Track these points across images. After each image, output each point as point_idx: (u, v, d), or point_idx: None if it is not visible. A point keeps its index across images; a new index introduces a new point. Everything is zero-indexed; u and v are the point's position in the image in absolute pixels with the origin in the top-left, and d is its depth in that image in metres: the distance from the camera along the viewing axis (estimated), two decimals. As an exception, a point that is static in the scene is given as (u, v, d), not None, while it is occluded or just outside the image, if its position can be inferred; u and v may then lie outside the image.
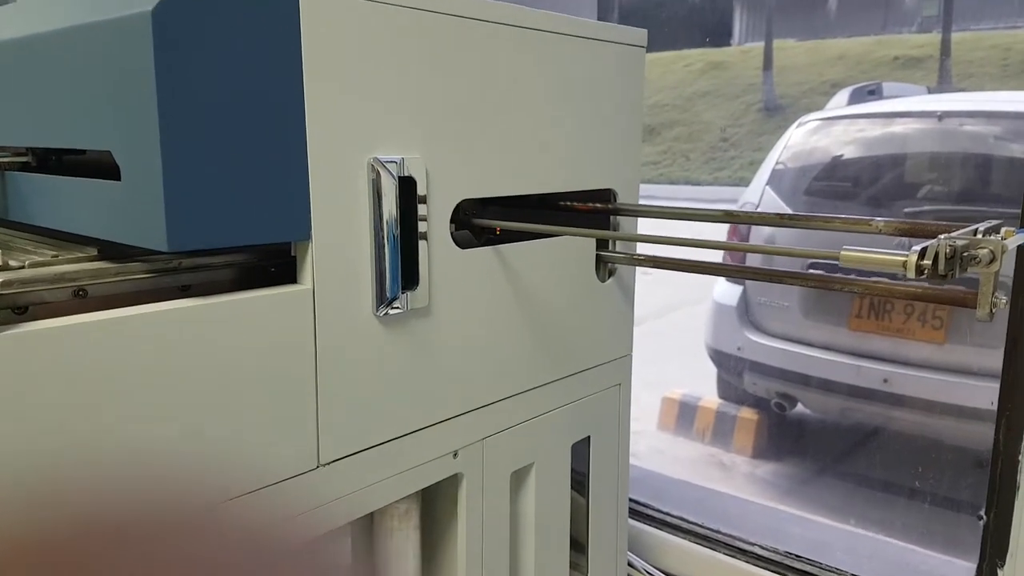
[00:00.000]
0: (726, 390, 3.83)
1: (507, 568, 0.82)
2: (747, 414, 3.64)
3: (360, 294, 0.65)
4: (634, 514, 1.14)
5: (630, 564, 1.07)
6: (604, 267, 0.90)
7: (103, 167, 0.60)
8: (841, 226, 0.76)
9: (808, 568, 0.99)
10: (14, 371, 0.47)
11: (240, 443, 0.58)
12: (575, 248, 0.85)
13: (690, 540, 1.08)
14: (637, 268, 0.94)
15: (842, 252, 0.54)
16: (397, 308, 0.67)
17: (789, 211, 3.38)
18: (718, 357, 3.67)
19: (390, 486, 0.69)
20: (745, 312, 3.49)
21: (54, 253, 0.61)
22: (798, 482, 3.24)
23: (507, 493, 0.81)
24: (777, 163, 3.58)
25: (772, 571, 1.00)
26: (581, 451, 0.93)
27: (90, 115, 0.57)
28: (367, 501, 0.68)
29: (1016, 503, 0.92)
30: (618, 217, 0.91)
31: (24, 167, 0.70)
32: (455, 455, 0.75)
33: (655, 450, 3.52)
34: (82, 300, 0.55)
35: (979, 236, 0.65)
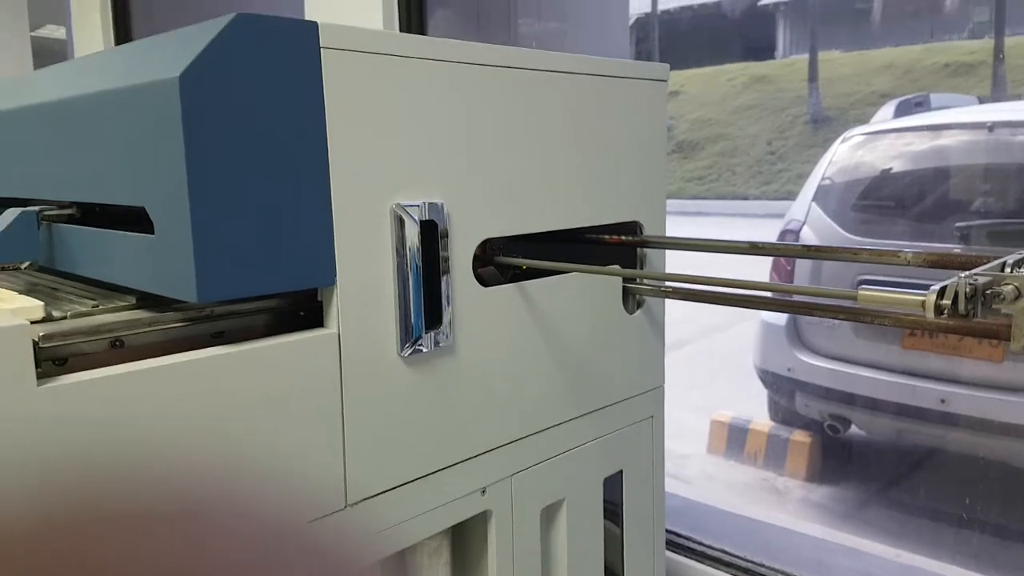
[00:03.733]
0: (777, 412, 3.75)
1: (540, 604, 0.82)
2: (800, 437, 3.57)
3: (385, 335, 0.66)
4: (673, 546, 1.13)
5: (669, 598, 1.06)
6: (632, 299, 0.90)
7: (142, 219, 0.63)
8: (868, 258, 0.75)
9: (852, 603, 0.96)
10: (54, 420, 0.49)
11: (270, 483, 0.59)
12: (601, 281, 0.86)
13: (731, 573, 1.06)
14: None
15: (859, 292, 0.54)
16: (421, 348, 0.68)
17: (836, 227, 3.32)
18: (768, 378, 3.61)
19: (418, 524, 0.70)
20: (795, 332, 3.43)
21: (95, 303, 0.64)
22: (855, 506, 3.15)
23: (537, 529, 0.81)
24: (823, 178, 3.52)
25: (815, 606, 0.98)
26: (616, 483, 0.92)
27: (125, 173, 0.60)
28: (396, 539, 0.69)
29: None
30: (645, 249, 0.91)
31: (69, 219, 0.74)
32: (483, 492, 0.75)
33: (705, 475, 3.47)
34: (119, 350, 0.58)
35: (1006, 271, 0.63)
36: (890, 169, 3.31)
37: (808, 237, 3.35)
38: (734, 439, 3.73)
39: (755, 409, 3.70)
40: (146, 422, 0.53)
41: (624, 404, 0.90)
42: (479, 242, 0.73)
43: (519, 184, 0.75)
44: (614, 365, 0.88)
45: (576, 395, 0.84)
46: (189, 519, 0.55)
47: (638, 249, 0.91)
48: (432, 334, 0.69)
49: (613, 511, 0.93)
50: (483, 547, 0.78)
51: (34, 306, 0.60)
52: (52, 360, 0.54)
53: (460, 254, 0.71)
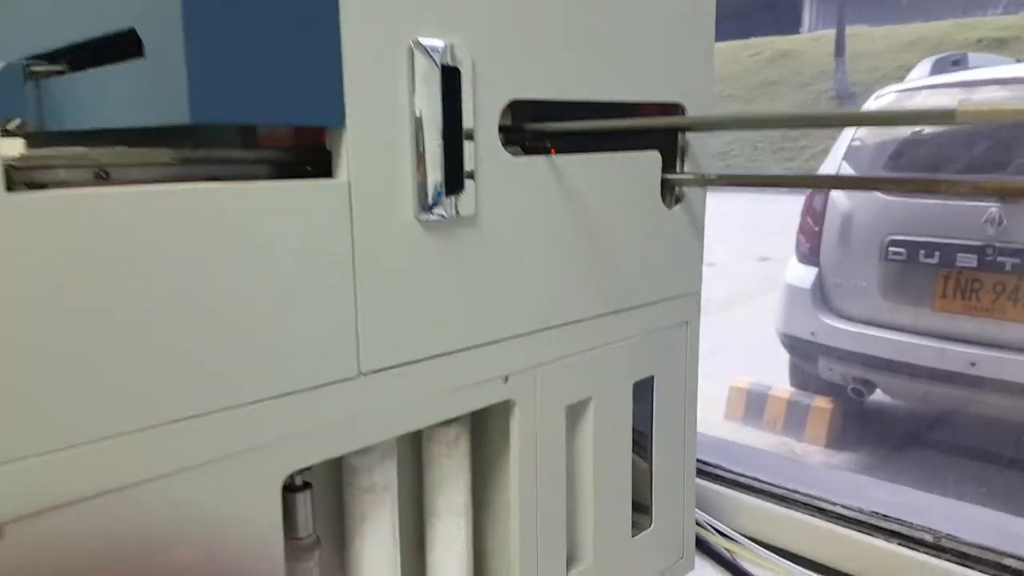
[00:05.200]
0: (799, 377, 3.68)
1: (563, 506, 0.75)
2: (821, 403, 3.50)
3: (400, 194, 0.59)
4: (703, 475, 1.07)
5: (698, 523, 1.00)
6: (671, 193, 0.83)
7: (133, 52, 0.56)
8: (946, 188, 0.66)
9: (897, 528, 0.89)
10: (29, 240, 0.43)
11: (275, 341, 0.53)
12: (638, 169, 0.78)
13: (764, 499, 1.00)
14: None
15: (958, 107, 0.46)
16: (441, 212, 0.61)
17: (867, 187, 3.21)
18: (790, 343, 3.53)
19: (436, 404, 0.64)
20: (820, 295, 3.34)
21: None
22: (877, 471, 3.07)
23: (562, 427, 0.75)
24: (854, 139, 3.42)
25: (856, 531, 0.91)
26: (644, 415, 0.86)
27: (113, -9, 0.53)
28: (412, 417, 0.62)
29: None
30: (687, 141, 0.84)
31: (60, 74, 0.67)
32: (505, 380, 0.69)
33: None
34: (104, 183, 0.52)
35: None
36: (923, 129, 3.19)
37: (839, 198, 3.25)
38: (752, 405, 3.66)
39: (776, 379, 3.63)
40: (134, 255, 0.47)
41: (657, 306, 0.83)
42: (507, 102, 0.66)
43: (552, 39, 0.68)
44: (648, 263, 0.81)
45: (606, 290, 0.77)
46: (174, 364, 0.49)
47: (680, 137, 0.83)
48: (453, 200, 0.62)
49: (641, 444, 0.87)
50: (505, 441, 0.71)
51: (14, 143, 0.54)
52: (28, 185, 0.48)
53: (486, 112, 0.64)
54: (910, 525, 0.89)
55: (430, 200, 0.61)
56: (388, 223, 0.59)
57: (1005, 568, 0.80)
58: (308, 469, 0.62)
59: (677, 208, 0.84)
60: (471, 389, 0.66)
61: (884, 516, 0.91)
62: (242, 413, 0.52)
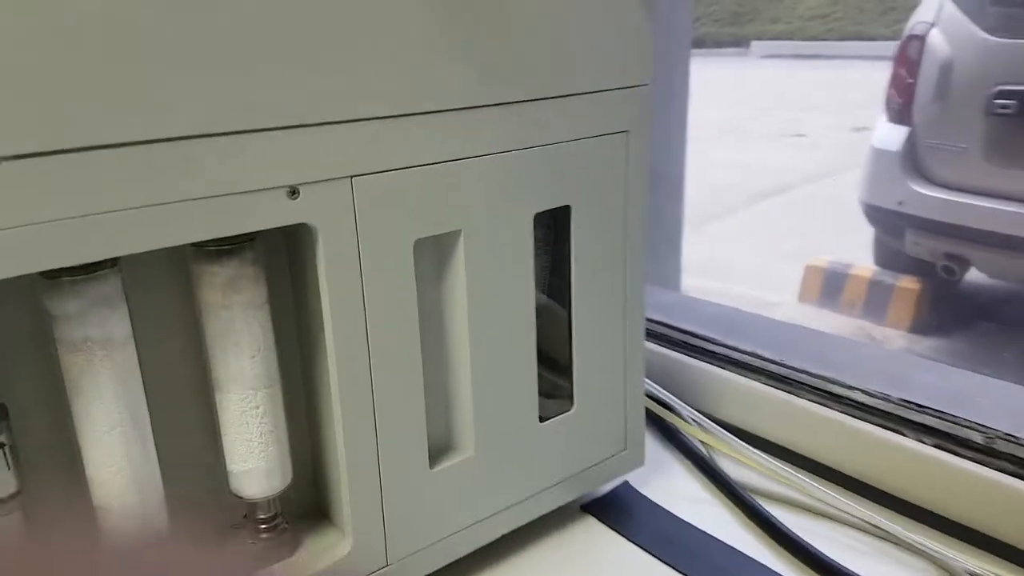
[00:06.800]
0: (883, 255, 3.30)
1: (417, 380, 0.54)
2: (907, 283, 3.12)
3: None
4: (681, 347, 0.82)
5: (669, 408, 0.76)
6: (591, -77, 0.55)
7: None
8: None
9: (934, 423, 0.64)
10: None
11: None
12: None
13: (757, 379, 0.75)
14: None
15: None
16: None
17: (973, 27, 2.73)
18: (875, 214, 3.15)
19: (139, 225, 0.41)
20: (911, 158, 2.91)
21: None
22: (967, 360, 2.73)
23: (410, 270, 0.51)
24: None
25: (878, 425, 0.66)
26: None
27: None
28: (93, 241, 0.40)
29: None
30: None
31: None
32: (293, 193, 0.46)
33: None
34: None
35: None
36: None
37: (937, 43, 2.77)
38: (830, 286, 3.32)
39: (861, 260, 3.27)
40: None
41: (576, 102, 0.57)
42: None
43: None
44: (560, 31, 0.55)
45: (483, 67, 0.52)
46: None
47: None
48: None
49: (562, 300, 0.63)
50: (314, 286, 0.49)
51: None
52: None
53: None
54: (952, 419, 0.63)
55: None
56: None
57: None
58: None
59: (606, -50, 0.56)
60: (220, 203, 0.43)
61: (918, 407, 0.66)
62: None
